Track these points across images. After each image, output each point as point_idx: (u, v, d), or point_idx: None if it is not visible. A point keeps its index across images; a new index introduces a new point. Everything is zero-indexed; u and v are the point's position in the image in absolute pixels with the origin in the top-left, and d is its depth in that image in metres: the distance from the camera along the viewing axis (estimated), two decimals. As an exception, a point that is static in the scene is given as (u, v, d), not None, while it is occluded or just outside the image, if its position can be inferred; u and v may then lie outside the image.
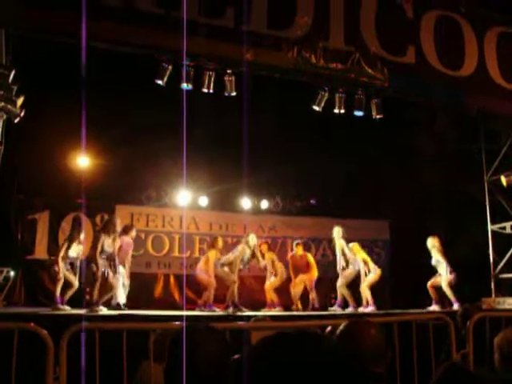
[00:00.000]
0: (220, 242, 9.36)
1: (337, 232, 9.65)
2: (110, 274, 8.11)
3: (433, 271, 9.58)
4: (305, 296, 9.77)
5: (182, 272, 10.84)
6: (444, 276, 9.33)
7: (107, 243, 8.15)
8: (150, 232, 11.12)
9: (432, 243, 9.48)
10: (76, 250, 8.55)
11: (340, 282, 9.56)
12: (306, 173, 10.93)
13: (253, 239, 9.12)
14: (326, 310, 9.81)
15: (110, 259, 8.27)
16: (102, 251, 8.06)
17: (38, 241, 10.20)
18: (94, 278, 7.93)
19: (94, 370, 3.40)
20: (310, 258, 9.93)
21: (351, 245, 9.59)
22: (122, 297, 8.48)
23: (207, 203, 11.45)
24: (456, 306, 8.89)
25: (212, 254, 9.10)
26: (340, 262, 9.62)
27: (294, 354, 1.02)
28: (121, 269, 8.52)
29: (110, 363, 3.36)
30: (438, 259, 9.40)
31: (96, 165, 10.21)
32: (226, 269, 9.03)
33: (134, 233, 9.06)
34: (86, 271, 8.10)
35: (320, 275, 10.08)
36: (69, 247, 8.46)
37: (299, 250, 9.93)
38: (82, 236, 8.65)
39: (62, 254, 8.38)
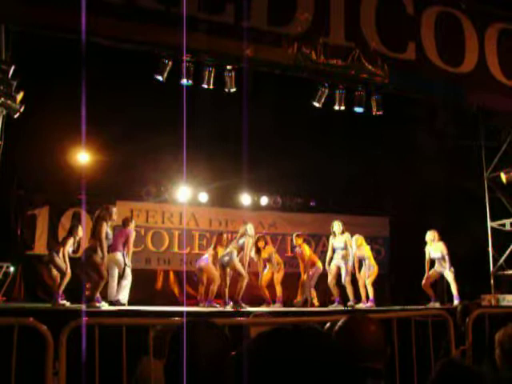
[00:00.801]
0: (225, 239, 9.39)
1: (337, 225, 9.57)
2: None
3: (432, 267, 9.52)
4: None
5: (181, 268, 10.85)
6: (447, 269, 9.19)
7: (109, 232, 8.03)
8: (149, 228, 11.12)
9: (433, 236, 9.39)
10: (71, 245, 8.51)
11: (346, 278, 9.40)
12: (306, 169, 10.92)
13: (251, 229, 9.05)
14: (325, 306, 9.80)
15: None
16: (106, 239, 7.94)
17: (38, 236, 10.21)
18: (97, 273, 7.81)
19: (94, 366, 3.41)
20: (307, 251, 9.85)
21: (356, 237, 9.52)
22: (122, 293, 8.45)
23: (207, 199, 11.45)
24: (456, 302, 8.86)
25: (220, 252, 9.11)
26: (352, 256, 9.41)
27: (290, 349, 1.01)
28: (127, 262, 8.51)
29: (110, 359, 3.37)
30: (442, 251, 9.26)
31: (96, 161, 10.21)
32: (236, 263, 8.89)
33: (133, 225, 8.99)
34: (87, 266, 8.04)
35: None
36: (74, 241, 8.45)
37: (299, 241, 9.84)
38: (80, 232, 8.59)
39: (67, 247, 8.35)
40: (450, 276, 9.22)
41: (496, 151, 10.52)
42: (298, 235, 9.92)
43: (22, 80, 7.00)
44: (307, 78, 8.51)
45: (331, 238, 9.65)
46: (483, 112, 10.00)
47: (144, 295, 9.81)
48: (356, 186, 11.64)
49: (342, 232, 9.46)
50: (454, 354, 4.15)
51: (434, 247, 9.34)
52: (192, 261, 9.98)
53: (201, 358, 1.84)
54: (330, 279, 9.48)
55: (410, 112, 9.84)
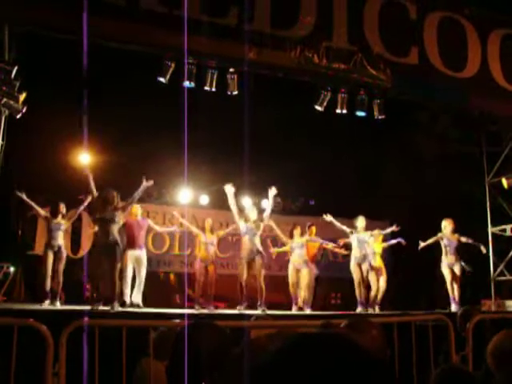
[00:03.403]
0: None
1: (361, 221, 9.32)
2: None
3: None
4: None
5: (182, 270, 10.84)
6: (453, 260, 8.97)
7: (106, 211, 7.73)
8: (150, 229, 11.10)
9: (445, 223, 9.17)
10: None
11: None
12: (307, 172, 10.92)
13: (253, 211, 8.66)
14: (324, 310, 9.78)
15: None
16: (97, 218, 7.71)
17: (38, 237, 10.20)
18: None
19: (94, 367, 3.40)
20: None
21: (376, 233, 9.36)
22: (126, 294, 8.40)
23: (208, 201, 11.45)
24: (454, 307, 8.75)
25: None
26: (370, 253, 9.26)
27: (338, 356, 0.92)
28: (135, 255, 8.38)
29: (110, 360, 3.36)
30: (448, 238, 9.04)
31: (97, 162, 10.19)
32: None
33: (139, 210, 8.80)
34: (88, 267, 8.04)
35: (319, 275, 10.04)
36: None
37: (312, 233, 9.51)
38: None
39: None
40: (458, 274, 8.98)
41: (498, 156, 10.52)
42: (310, 225, 9.65)
43: (25, 80, 7.01)
44: (309, 81, 8.52)
45: (352, 232, 9.38)
46: (485, 117, 10.00)
47: (144, 297, 9.78)
48: (357, 190, 11.62)
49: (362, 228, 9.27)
50: (454, 360, 4.13)
51: (447, 234, 9.14)
52: (193, 262, 9.92)
53: (204, 359, 1.83)
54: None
55: (411, 116, 9.84)
